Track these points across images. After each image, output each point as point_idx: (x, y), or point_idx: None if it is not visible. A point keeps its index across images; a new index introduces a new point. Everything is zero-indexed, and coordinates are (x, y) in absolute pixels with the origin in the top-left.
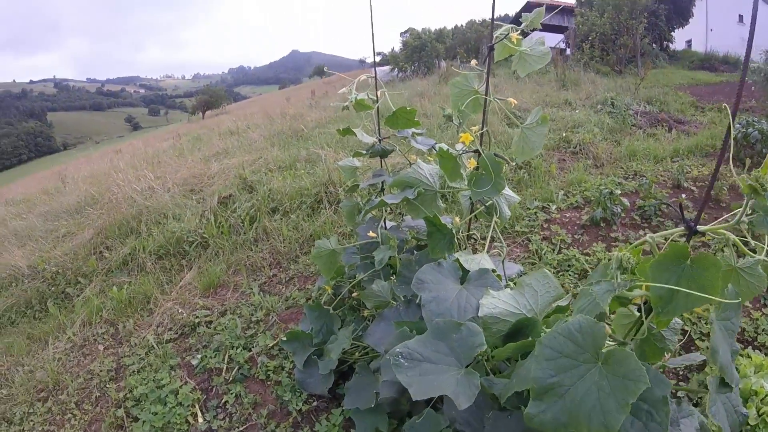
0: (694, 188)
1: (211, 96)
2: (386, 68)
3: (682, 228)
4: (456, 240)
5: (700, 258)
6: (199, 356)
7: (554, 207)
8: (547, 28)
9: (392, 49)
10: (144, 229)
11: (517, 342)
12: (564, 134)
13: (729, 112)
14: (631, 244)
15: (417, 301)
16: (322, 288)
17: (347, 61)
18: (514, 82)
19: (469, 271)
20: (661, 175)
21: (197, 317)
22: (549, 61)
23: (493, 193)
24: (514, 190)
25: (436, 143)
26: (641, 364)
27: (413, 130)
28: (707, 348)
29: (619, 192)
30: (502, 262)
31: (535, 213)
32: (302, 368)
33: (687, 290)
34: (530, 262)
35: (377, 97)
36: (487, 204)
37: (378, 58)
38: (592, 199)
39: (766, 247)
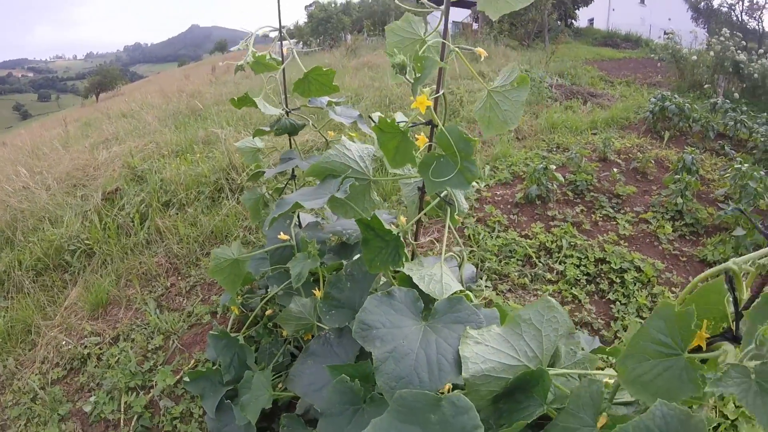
0: (620, 161)
1: (105, 77)
2: (291, 42)
3: None
4: (404, 249)
5: None
6: (92, 400)
7: (483, 184)
8: (455, 3)
9: (296, 22)
10: (20, 239)
11: (521, 410)
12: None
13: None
14: (569, 222)
15: (360, 343)
16: (227, 305)
17: (245, 35)
18: None
19: (429, 297)
20: (585, 148)
21: (86, 347)
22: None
23: (461, 184)
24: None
25: (360, 114)
26: None
27: (330, 98)
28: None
29: (553, 167)
30: (461, 273)
31: None
32: (214, 416)
33: None
34: (469, 250)
35: (282, 54)
36: (441, 195)
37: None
38: (521, 174)
39: None
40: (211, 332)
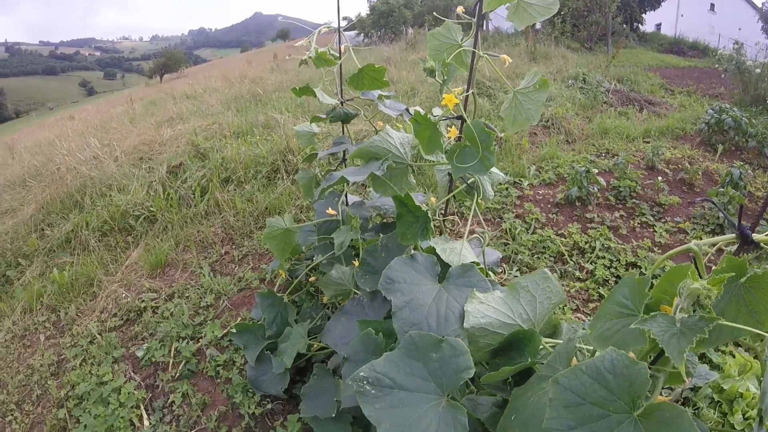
0: (667, 171)
1: (170, 59)
2: (352, 33)
3: (732, 235)
4: (431, 225)
5: (759, 277)
6: (144, 347)
7: (526, 183)
8: None
9: (359, 14)
10: (88, 203)
11: (513, 365)
12: None
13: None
14: (606, 225)
15: (383, 294)
16: (276, 270)
17: (312, 25)
18: (484, 50)
19: (448, 265)
20: (634, 155)
21: (143, 301)
22: (555, 11)
23: (480, 170)
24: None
25: (408, 108)
26: (694, 423)
27: (381, 92)
28: (725, 362)
29: (596, 171)
30: (483, 250)
31: (507, 188)
32: (254, 365)
33: (734, 317)
34: (503, 242)
35: (340, 51)
36: (468, 182)
37: (344, 23)
38: (565, 176)
39: None
40: (259, 291)
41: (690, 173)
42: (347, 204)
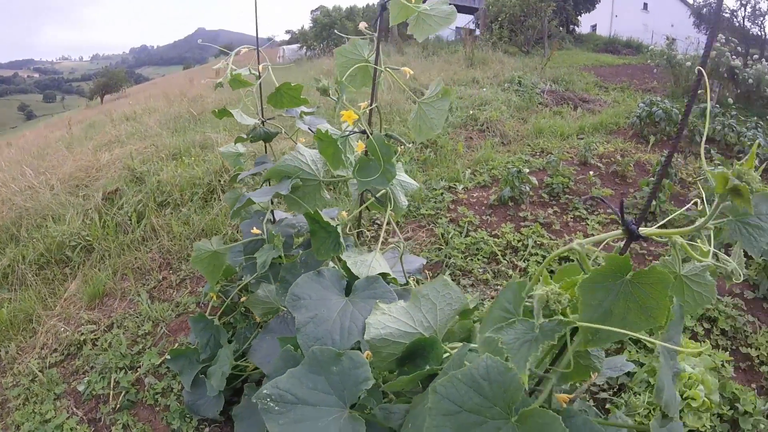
0: (600, 165)
1: (110, 79)
2: (294, 46)
3: (620, 231)
4: (342, 238)
5: (645, 273)
6: (85, 381)
7: (461, 187)
8: (457, 9)
9: (302, 27)
10: (24, 236)
11: (410, 374)
12: (471, 112)
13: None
14: (539, 222)
15: (290, 311)
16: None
17: (254, 39)
18: (422, 60)
19: (358, 278)
20: (568, 152)
21: (83, 334)
22: (454, 22)
23: (382, 182)
24: (420, 170)
25: (326, 124)
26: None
27: (302, 108)
28: (639, 350)
29: (527, 170)
30: (401, 258)
31: (442, 194)
32: (190, 389)
33: (623, 314)
34: (437, 248)
35: (259, 71)
36: (378, 194)
37: (287, 36)
38: (500, 177)
39: (711, 247)
40: (191, 316)
41: (622, 165)
42: (274, 221)
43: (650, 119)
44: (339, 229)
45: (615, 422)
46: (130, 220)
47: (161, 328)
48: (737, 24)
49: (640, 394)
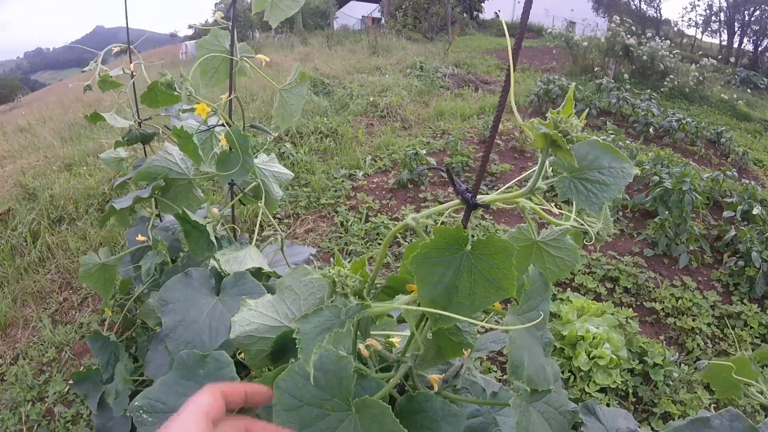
0: (499, 141)
1: (3, 87)
2: (195, 42)
3: (457, 201)
4: (213, 237)
5: (484, 243)
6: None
7: (361, 173)
8: None
9: (206, 21)
10: None
11: (277, 368)
12: (372, 99)
13: (510, 65)
14: (438, 201)
15: (160, 316)
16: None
17: (158, 36)
18: (326, 50)
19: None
20: (468, 132)
21: None
22: (301, 4)
23: (242, 174)
24: (320, 160)
25: (216, 123)
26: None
27: (184, 106)
28: (561, 310)
29: (425, 152)
30: (282, 250)
31: (342, 182)
32: (98, 412)
33: (470, 288)
34: (337, 236)
35: (132, 71)
36: (248, 188)
37: (191, 32)
38: (401, 161)
39: (574, 211)
40: (88, 335)
41: (520, 141)
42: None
43: (548, 97)
44: (209, 228)
45: (474, 399)
46: (26, 240)
47: (66, 352)
48: (634, 7)
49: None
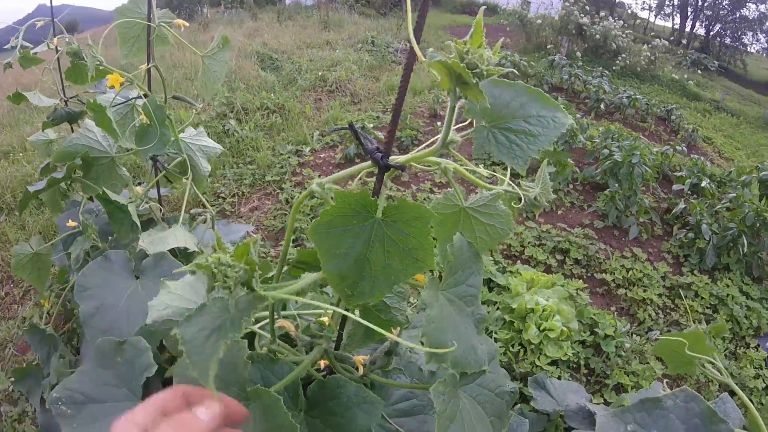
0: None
1: None
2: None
3: (369, 163)
4: (135, 217)
5: (396, 209)
6: None
7: (308, 149)
8: None
9: None
10: None
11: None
12: (321, 74)
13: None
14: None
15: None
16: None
17: (102, 14)
18: (277, 25)
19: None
20: (419, 107)
21: None
22: None
23: (160, 148)
24: (266, 136)
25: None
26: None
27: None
28: (510, 283)
29: (372, 126)
30: (213, 228)
31: (288, 158)
32: (41, 409)
33: (384, 260)
34: (282, 213)
35: (56, 46)
36: (172, 164)
37: None
38: (349, 135)
39: (508, 174)
40: (25, 329)
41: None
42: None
43: None
44: (131, 208)
45: (398, 383)
46: None
47: (9, 349)
48: None
49: (496, 332)
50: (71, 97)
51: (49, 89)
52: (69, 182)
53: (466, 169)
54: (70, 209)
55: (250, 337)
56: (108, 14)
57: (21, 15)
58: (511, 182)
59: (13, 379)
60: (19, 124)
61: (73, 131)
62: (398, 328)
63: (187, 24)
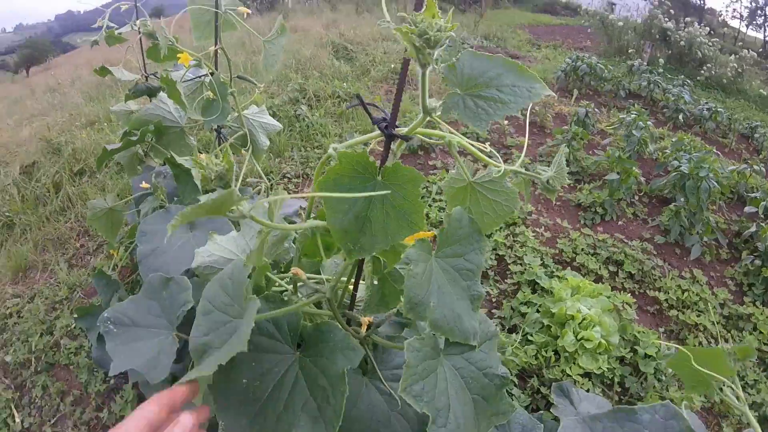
0: (519, 115)
1: (35, 50)
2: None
3: (377, 132)
4: (197, 181)
5: (392, 171)
6: (11, 351)
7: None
8: None
9: None
10: None
11: None
12: (393, 66)
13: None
14: (445, 170)
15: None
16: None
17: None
18: (354, 17)
19: None
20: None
21: (8, 308)
22: None
23: (221, 119)
24: (335, 123)
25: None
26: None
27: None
28: (521, 272)
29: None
30: (268, 199)
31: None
32: (97, 345)
33: (383, 220)
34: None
35: (138, 27)
36: (234, 136)
37: None
38: None
39: (523, 154)
40: (94, 274)
41: (540, 116)
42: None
43: (575, 74)
44: (194, 171)
45: (395, 345)
46: (48, 191)
47: (77, 292)
48: None
49: (532, 335)
50: (151, 74)
51: (133, 66)
52: (146, 149)
53: (470, 144)
54: (144, 173)
55: (282, 293)
56: None
57: None
58: (523, 166)
59: (75, 316)
60: (105, 97)
61: (151, 103)
62: None
63: (249, 11)
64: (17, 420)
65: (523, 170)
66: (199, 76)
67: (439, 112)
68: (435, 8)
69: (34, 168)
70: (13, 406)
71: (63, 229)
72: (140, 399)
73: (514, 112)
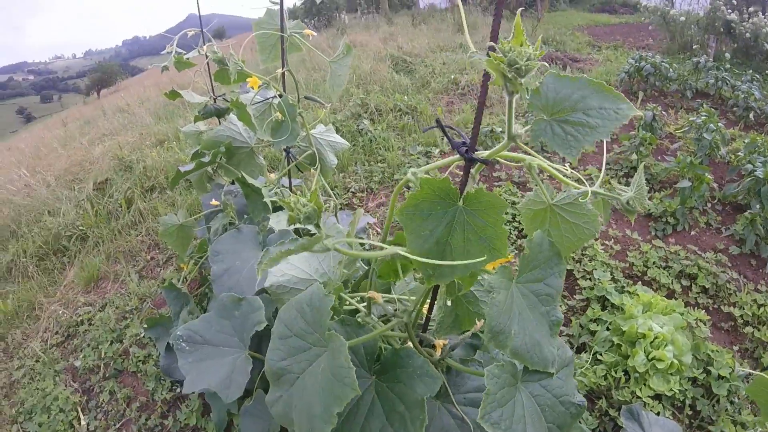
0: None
1: (105, 73)
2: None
3: (457, 157)
4: (267, 199)
5: (475, 197)
6: (81, 357)
7: (437, 151)
8: None
9: (294, 5)
10: (24, 231)
11: None
12: (453, 77)
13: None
14: (513, 182)
15: (211, 264)
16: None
17: (247, 21)
18: (411, 29)
19: None
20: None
21: (80, 316)
22: None
23: (291, 141)
24: (398, 137)
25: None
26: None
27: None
28: (590, 288)
29: (501, 130)
30: (335, 216)
31: (417, 159)
32: (165, 354)
33: (464, 246)
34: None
35: (205, 52)
36: (303, 155)
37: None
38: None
39: (602, 174)
40: (164, 286)
41: None
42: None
43: (639, 75)
44: (264, 191)
45: (470, 370)
46: (120, 206)
47: (147, 303)
48: None
49: (602, 354)
50: (219, 96)
51: (200, 88)
52: (214, 167)
53: (551, 166)
54: (213, 191)
55: (353, 312)
56: (250, 21)
57: (173, 23)
58: (603, 185)
59: (145, 326)
60: (173, 117)
61: (220, 125)
62: (482, 321)
63: (314, 33)
64: (83, 423)
65: (602, 191)
66: (268, 98)
67: (527, 139)
68: (523, 36)
69: (106, 184)
70: (79, 409)
71: (134, 242)
72: (206, 408)
73: (604, 136)
